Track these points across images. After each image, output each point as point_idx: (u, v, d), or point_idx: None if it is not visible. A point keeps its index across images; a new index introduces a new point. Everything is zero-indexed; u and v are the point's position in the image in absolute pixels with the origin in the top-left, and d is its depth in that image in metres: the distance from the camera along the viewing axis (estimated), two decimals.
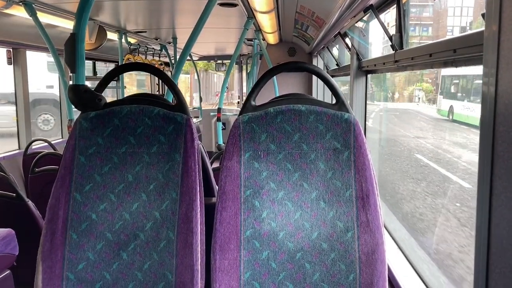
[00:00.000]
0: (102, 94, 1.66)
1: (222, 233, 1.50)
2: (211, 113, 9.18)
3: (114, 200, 1.61)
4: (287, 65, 1.63)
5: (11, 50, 4.88)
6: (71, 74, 1.71)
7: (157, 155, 1.63)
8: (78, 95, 1.64)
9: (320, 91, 6.85)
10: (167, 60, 8.23)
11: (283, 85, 6.63)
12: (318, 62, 6.85)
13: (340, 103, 1.54)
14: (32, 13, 3.62)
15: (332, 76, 5.59)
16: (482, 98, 0.96)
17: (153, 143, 1.63)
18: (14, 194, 2.60)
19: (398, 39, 2.17)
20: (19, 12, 3.75)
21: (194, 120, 8.81)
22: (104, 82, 1.70)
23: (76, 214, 1.59)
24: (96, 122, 1.64)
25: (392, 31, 2.29)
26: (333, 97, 1.57)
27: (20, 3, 3.50)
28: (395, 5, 2.23)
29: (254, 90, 1.59)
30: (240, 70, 11.14)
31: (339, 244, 1.48)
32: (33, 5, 3.58)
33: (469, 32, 1.37)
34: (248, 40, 6.76)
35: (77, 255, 1.58)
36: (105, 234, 1.60)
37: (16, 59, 4.90)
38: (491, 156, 0.94)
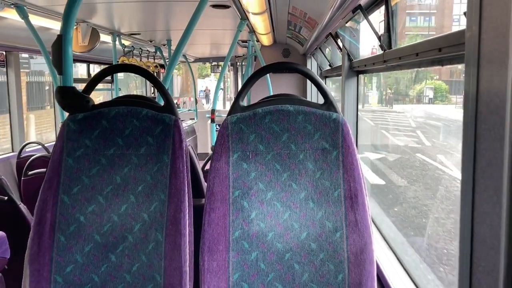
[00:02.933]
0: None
1: (211, 234, 1.49)
2: (207, 115, 9.18)
3: (102, 202, 1.61)
4: (276, 66, 1.63)
5: (4, 52, 4.87)
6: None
7: (145, 156, 1.63)
8: (66, 97, 1.64)
9: (314, 92, 6.86)
10: (162, 62, 8.23)
11: (277, 86, 6.63)
12: (312, 63, 6.86)
13: (328, 103, 1.54)
14: (24, 16, 3.61)
15: (326, 77, 5.61)
16: (464, 97, 0.97)
17: (141, 145, 1.63)
18: (6, 197, 2.59)
19: (386, 39, 2.17)
20: (11, 15, 3.74)
21: (190, 121, 8.82)
22: (92, 84, 1.70)
23: (64, 216, 1.58)
24: (84, 124, 1.63)
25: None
26: (322, 97, 1.58)
27: (12, 6, 3.49)
28: (383, 5, 2.23)
29: (243, 91, 1.59)
30: (235, 71, 11.14)
31: (327, 244, 1.48)
32: (25, 7, 3.57)
33: (452, 31, 1.38)
34: (243, 41, 6.76)
35: (65, 258, 1.57)
36: (93, 236, 1.59)
37: (9, 62, 4.89)
38: (474, 155, 0.94)
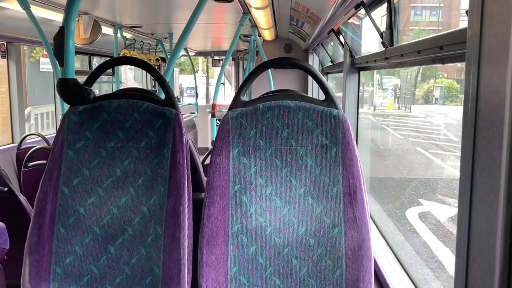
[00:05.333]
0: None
1: (210, 228, 1.50)
2: (207, 109, 9.18)
3: (102, 194, 1.61)
4: (277, 61, 1.64)
5: (5, 43, 4.86)
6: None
7: (145, 149, 1.63)
8: (67, 88, 1.64)
9: (316, 88, 6.86)
10: (163, 55, 8.22)
11: (279, 81, 6.63)
12: (313, 59, 6.84)
13: (329, 100, 1.54)
14: (26, 7, 3.60)
15: (327, 73, 5.60)
16: (464, 95, 0.97)
17: (141, 138, 1.64)
18: (6, 189, 2.60)
19: (388, 36, 2.17)
20: (13, 5, 3.73)
21: (190, 115, 8.81)
22: (93, 76, 1.70)
23: (64, 208, 1.59)
24: (85, 116, 1.64)
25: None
26: (323, 93, 1.58)
27: None
28: (386, 2, 2.23)
29: (244, 86, 1.59)
30: (237, 66, 11.12)
31: (326, 240, 1.49)
32: None
33: (454, 29, 1.38)
34: (245, 36, 6.75)
35: (64, 249, 1.58)
36: (93, 228, 1.60)
37: (10, 53, 4.89)
38: (472, 153, 0.94)
